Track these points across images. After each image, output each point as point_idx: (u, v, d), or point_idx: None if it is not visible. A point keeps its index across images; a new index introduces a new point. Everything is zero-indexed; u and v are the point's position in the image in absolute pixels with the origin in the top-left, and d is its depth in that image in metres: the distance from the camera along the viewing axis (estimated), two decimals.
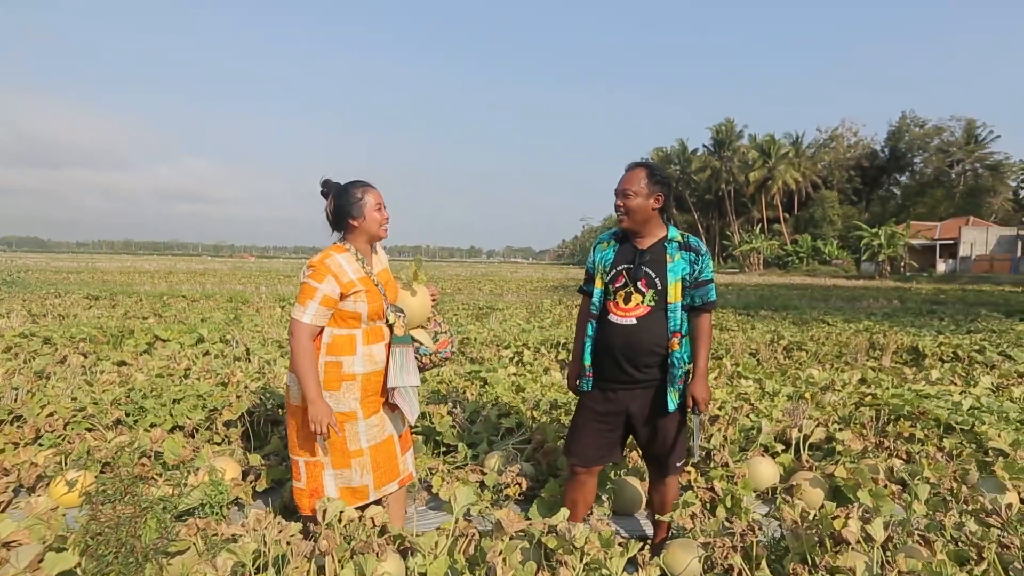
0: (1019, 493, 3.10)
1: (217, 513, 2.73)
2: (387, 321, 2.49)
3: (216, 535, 2.19)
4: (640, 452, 2.98)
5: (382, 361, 2.47)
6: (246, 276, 26.67)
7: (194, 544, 2.10)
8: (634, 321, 2.49)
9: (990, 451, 3.59)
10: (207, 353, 6.72)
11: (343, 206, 2.42)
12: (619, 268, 2.54)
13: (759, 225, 69.20)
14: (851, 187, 70.73)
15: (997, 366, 6.79)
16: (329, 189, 2.47)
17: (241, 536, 2.04)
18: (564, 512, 2.30)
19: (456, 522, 2.29)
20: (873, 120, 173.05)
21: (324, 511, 2.07)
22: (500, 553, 1.98)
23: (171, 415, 4.01)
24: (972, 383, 5.74)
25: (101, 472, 3.11)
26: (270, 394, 4.25)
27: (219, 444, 3.88)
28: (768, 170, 66.19)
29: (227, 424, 3.99)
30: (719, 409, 4.17)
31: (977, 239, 46.71)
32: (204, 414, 4.02)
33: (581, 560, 2.08)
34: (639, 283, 2.49)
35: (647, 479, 3.06)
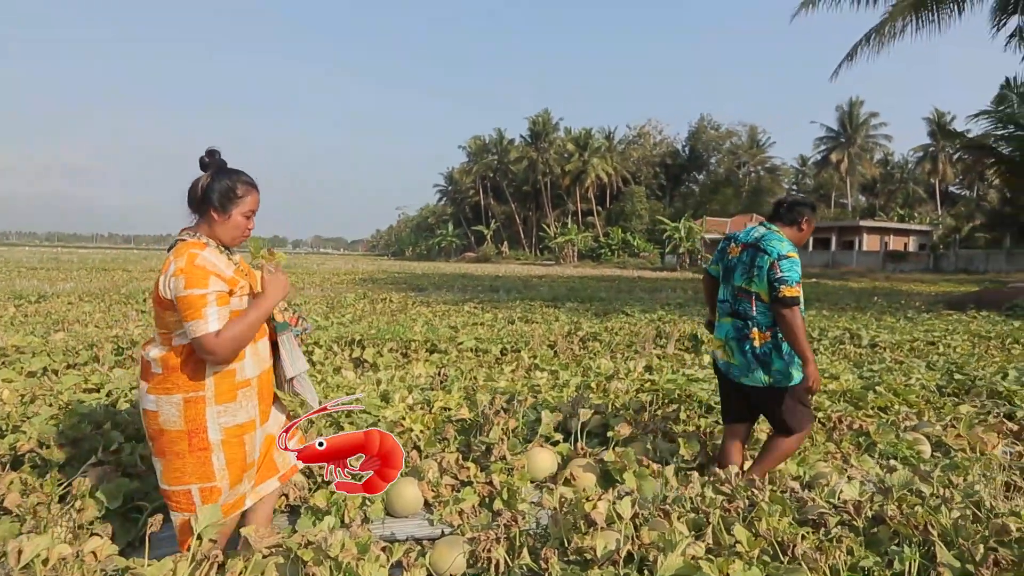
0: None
1: None
2: None
3: None
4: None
5: (268, 357, 2.28)
6: None
7: None
8: None
9: None
10: None
11: (216, 191, 2.09)
12: None
13: (574, 217, 72.77)
14: (657, 183, 76.63)
15: None
16: (212, 164, 2.14)
17: None
18: (328, 520, 2.23)
19: (200, 543, 2.08)
20: (677, 121, 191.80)
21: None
22: (240, 574, 1.83)
23: None
24: None
25: None
26: None
27: None
28: (583, 163, 68.74)
29: None
30: (506, 402, 4.30)
31: None
32: None
33: (337, 571, 2.00)
34: None
35: (424, 479, 3.05)
